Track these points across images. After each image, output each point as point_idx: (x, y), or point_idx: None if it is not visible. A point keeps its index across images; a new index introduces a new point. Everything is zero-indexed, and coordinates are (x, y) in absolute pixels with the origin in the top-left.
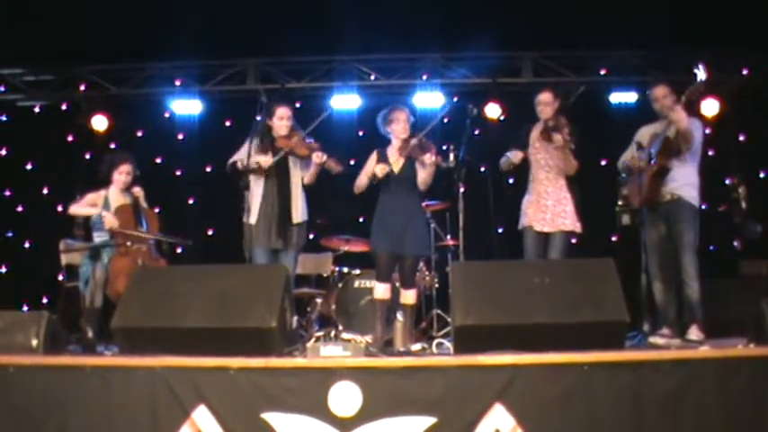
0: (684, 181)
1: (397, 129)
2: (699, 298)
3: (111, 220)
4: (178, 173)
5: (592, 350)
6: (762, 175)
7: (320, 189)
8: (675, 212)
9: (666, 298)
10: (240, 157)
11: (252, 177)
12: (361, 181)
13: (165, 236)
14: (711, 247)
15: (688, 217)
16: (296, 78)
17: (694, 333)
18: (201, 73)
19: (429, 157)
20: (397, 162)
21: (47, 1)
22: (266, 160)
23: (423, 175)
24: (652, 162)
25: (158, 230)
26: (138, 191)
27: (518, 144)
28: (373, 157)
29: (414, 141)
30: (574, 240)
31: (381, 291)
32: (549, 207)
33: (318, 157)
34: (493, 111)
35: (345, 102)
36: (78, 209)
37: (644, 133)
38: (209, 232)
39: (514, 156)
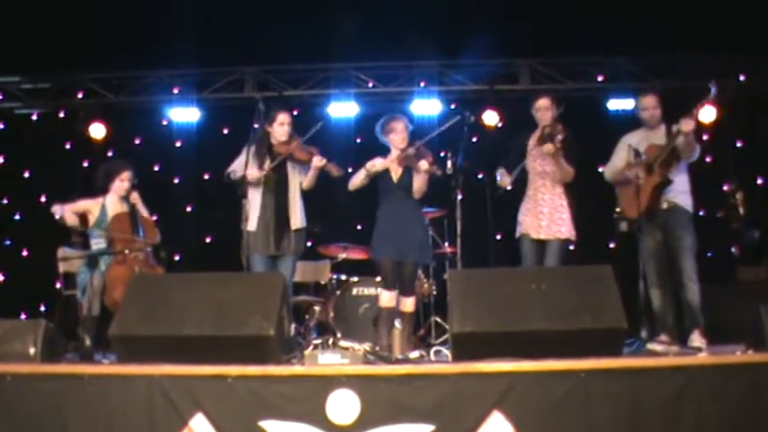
0: (680, 189)
1: (396, 139)
2: (700, 302)
3: (70, 216)
4: (176, 180)
5: (590, 357)
6: (759, 181)
7: (318, 197)
8: (673, 219)
9: (664, 304)
10: (236, 167)
11: (250, 185)
12: (357, 177)
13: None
14: (709, 253)
15: (685, 223)
16: (293, 86)
17: (698, 339)
18: (199, 81)
19: (423, 164)
20: (396, 171)
21: (44, 9)
22: (257, 173)
23: (417, 183)
24: (656, 172)
25: (155, 238)
26: (135, 196)
27: (508, 160)
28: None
29: (410, 150)
30: (571, 247)
31: (387, 299)
32: (546, 214)
33: (319, 161)
34: (490, 118)
35: (343, 109)
36: (56, 211)
37: (632, 141)
38: (207, 240)
39: (502, 181)
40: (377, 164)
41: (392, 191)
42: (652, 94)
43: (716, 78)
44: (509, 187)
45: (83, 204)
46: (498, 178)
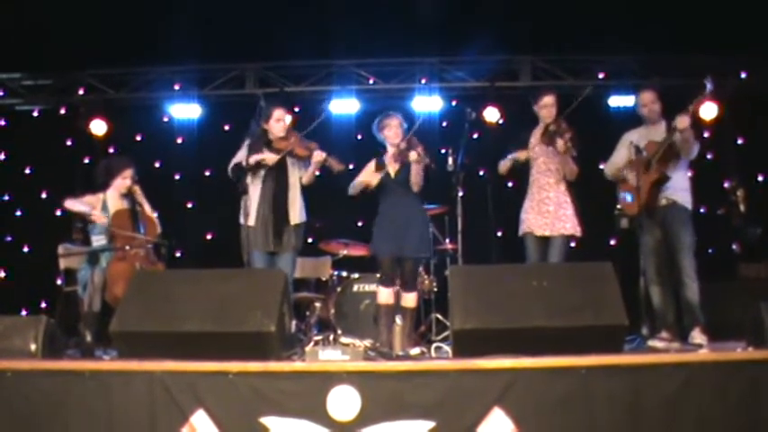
0: (678, 186)
1: (390, 135)
2: (698, 299)
3: (99, 216)
4: (177, 177)
5: (591, 354)
6: (760, 178)
7: (319, 192)
8: (672, 216)
9: (664, 301)
10: (240, 159)
11: (249, 180)
12: (357, 187)
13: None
14: (710, 250)
15: (684, 220)
16: (295, 82)
17: (698, 336)
18: (200, 77)
19: (412, 155)
20: (393, 167)
21: (45, 5)
22: (271, 157)
23: (412, 176)
24: (653, 168)
25: (156, 235)
26: (136, 188)
27: (519, 148)
28: (371, 165)
29: (402, 144)
30: (573, 244)
31: (386, 295)
32: (551, 212)
33: (319, 155)
34: (491, 114)
35: (344, 106)
36: (74, 204)
37: (633, 138)
38: (208, 236)
39: (520, 153)
40: (373, 180)
41: (391, 187)
42: (650, 90)
43: (716, 76)
44: (523, 158)
45: (87, 200)
46: (513, 155)
